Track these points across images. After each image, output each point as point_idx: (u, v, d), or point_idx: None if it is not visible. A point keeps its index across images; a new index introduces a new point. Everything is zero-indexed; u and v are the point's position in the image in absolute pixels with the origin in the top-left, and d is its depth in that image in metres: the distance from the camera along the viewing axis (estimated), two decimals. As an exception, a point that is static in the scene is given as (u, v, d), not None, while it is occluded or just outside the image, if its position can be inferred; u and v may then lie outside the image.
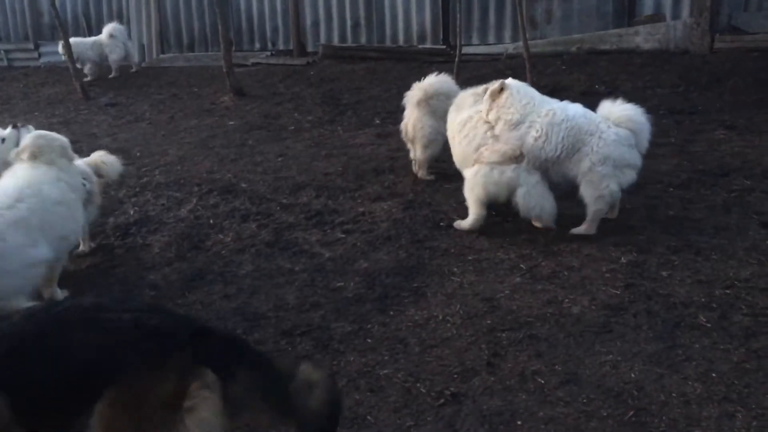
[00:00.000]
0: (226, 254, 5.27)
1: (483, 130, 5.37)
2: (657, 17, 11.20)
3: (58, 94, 11.90)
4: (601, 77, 9.84)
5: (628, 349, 3.69)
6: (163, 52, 14.19)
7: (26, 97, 11.91)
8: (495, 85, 5.38)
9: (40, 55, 15.02)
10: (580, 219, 5.21)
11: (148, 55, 14.22)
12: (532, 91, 5.38)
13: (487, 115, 5.35)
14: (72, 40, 11.96)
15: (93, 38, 12.84)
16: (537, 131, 5.11)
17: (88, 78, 12.57)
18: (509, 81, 5.43)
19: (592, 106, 8.53)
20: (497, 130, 5.29)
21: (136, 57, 13.34)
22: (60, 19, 12.01)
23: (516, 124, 5.20)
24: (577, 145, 5.05)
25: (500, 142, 5.23)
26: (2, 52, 15.27)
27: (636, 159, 5.07)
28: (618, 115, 5.09)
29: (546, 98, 5.39)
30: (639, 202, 5.69)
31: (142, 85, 12.17)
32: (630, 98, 8.67)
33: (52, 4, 11.63)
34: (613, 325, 3.94)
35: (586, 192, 5.06)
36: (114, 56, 12.70)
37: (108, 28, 12.74)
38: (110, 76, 12.84)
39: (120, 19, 14.49)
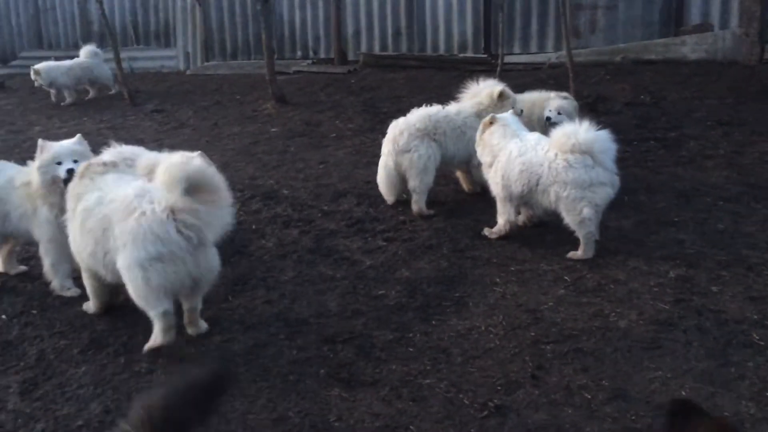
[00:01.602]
0: (269, 260, 5.31)
1: None
2: (704, 27, 11.00)
3: (106, 100, 12.17)
4: (647, 87, 9.69)
5: (678, 366, 3.60)
6: (207, 60, 14.43)
7: (75, 103, 12.20)
8: (486, 118, 5.49)
9: (88, 62, 15.39)
10: (622, 231, 5.11)
11: (193, 63, 14.48)
12: (511, 127, 5.35)
13: (477, 149, 5.54)
14: (44, 64, 11.85)
15: (68, 62, 12.11)
16: (500, 172, 5.22)
17: (68, 101, 11.93)
18: (500, 116, 5.47)
19: (639, 116, 8.49)
20: (483, 170, 5.54)
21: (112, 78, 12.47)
22: (110, 28, 12.31)
23: (488, 166, 5.37)
24: (534, 178, 5.03)
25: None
26: (53, 59, 15.67)
27: (600, 176, 4.89)
28: (565, 145, 4.94)
29: (517, 133, 5.32)
30: (687, 216, 5.56)
31: (187, 92, 12.38)
32: (677, 109, 8.66)
33: (103, 14, 11.92)
34: (663, 340, 3.84)
35: (567, 219, 4.99)
36: (103, 75, 12.26)
37: (88, 49, 12.21)
38: (87, 97, 12.30)
39: (167, 28, 14.83)
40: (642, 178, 6.54)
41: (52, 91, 12.07)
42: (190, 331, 4.13)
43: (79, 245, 4.14)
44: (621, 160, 6.38)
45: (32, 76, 11.84)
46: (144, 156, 5.10)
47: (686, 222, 5.48)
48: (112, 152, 5.33)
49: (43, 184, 4.53)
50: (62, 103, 11.95)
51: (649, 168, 6.87)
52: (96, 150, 5.11)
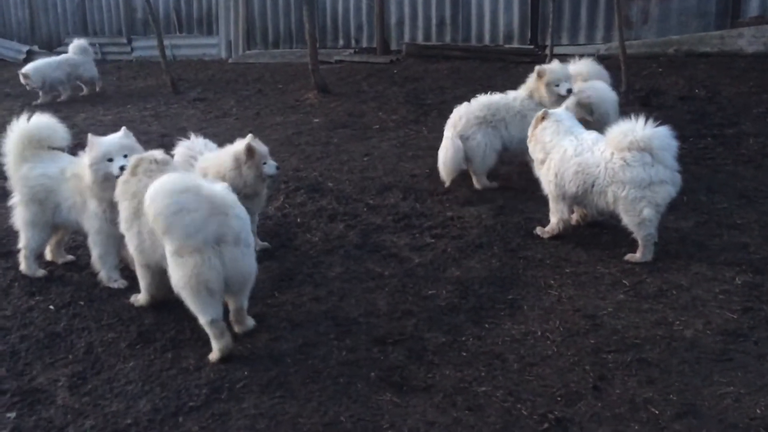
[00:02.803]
0: (315, 255, 5.21)
1: None
2: (763, 19, 10.54)
3: (149, 88, 12.23)
4: (701, 81, 9.33)
5: (752, 381, 3.40)
6: (249, 49, 14.40)
7: (119, 90, 12.28)
8: (539, 113, 5.30)
9: (132, 50, 15.51)
10: (681, 233, 4.89)
11: (235, 52, 14.46)
12: (564, 124, 5.16)
13: (529, 145, 5.37)
14: (31, 65, 11.39)
15: (57, 58, 11.74)
16: (554, 170, 5.04)
17: (62, 98, 11.51)
18: (553, 111, 5.31)
19: (693, 112, 8.17)
20: (534, 167, 5.38)
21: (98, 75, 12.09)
22: (154, 15, 12.34)
23: (540, 163, 5.21)
24: (589, 179, 4.84)
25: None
26: (97, 45, 15.83)
27: (660, 174, 4.67)
28: (622, 142, 4.73)
29: (573, 130, 5.14)
30: (752, 218, 5.31)
31: (229, 80, 12.36)
32: (734, 104, 8.31)
33: (147, 1, 11.93)
34: (733, 352, 3.64)
35: (626, 221, 4.78)
36: (89, 74, 11.79)
37: (78, 45, 11.77)
38: (82, 93, 11.87)
39: (209, 16, 14.82)
40: (700, 176, 6.28)
41: (41, 93, 11.41)
42: (237, 329, 4.05)
43: (147, 246, 4.08)
44: (678, 158, 6.18)
45: (22, 81, 11.24)
46: (205, 156, 5.08)
47: (750, 225, 5.22)
48: (186, 145, 5.33)
49: (96, 180, 4.49)
50: (58, 100, 11.40)
51: (708, 166, 6.59)
52: (140, 138, 5.07)
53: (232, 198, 3.83)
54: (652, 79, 9.62)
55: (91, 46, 12.37)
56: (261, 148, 4.94)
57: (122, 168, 4.31)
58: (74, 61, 11.64)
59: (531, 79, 6.44)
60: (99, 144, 4.51)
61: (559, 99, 6.19)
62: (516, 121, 6.30)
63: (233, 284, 3.80)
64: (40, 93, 11.45)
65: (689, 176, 6.11)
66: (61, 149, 4.99)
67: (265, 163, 4.91)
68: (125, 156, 4.42)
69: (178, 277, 3.69)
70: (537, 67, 6.38)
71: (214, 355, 3.81)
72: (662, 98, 8.83)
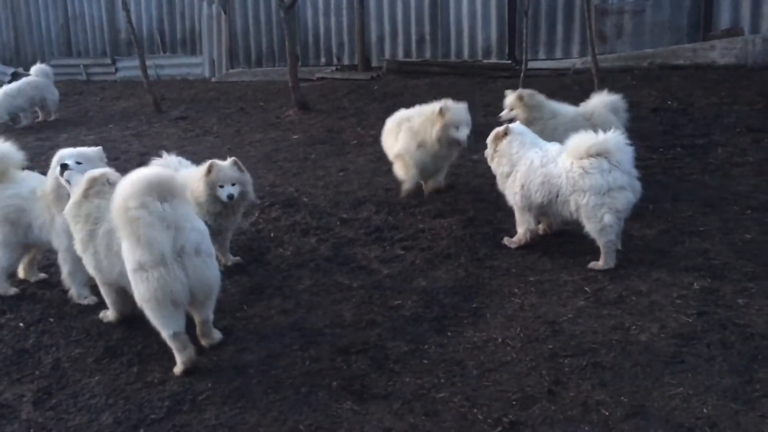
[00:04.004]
0: (285, 268, 5.28)
1: None
2: (734, 31, 10.77)
3: (133, 107, 12.32)
4: (674, 93, 9.50)
5: (700, 382, 3.48)
6: (232, 67, 14.54)
7: (102, 110, 12.37)
8: (500, 129, 5.37)
9: (117, 70, 15.62)
10: (645, 240, 4.98)
11: (218, 71, 14.60)
12: (527, 136, 5.29)
13: (490, 161, 5.42)
14: None
15: (16, 84, 11.35)
16: (519, 182, 5.12)
17: (23, 124, 11.15)
18: (513, 126, 5.38)
19: (665, 123, 8.31)
20: (498, 181, 5.41)
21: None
22: (136, 36, 12.48)
23: (506, 176, 5.26)
24: (554, 189, 4.95)
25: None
26: (81, 66, 15.96)
27: (618, 180, 4.75)
28: (578, 150, 4.86)
29: (536, 142, 5.27)
30: (713, 225, 5.41)
31: (212, 99, 12.47)
32: (705, 115, 8.47)
33: (129, 22, 12.07)
34: (685, 355, 3.72)
35: (588, 228, 4.87)
36: (53, 98, 11.49)
37: (39, 68, 11.50)
38: (51, 118, 11.53)
39: (192, 35, 14.96)
40: (667, 186, 6.40)
41: (21, 116, 11.25)
42: (203, 342, 4.11)
43: (105, 266, 4.15)
44: (646, 168, 6.30)
45: None
46: (180, 173, 5.16)
47: (712, 232, 5.33)
48: (160, 163, 5.41)
49: (51, 189, 4.59)
50: (17, 126, 11.04)
51: (675, 176, 6.71)
52: (120, 157, 5.17)
53: (185, 212, 3.86)
54: (626, 91, 9.60)
55: (73, 68, 12.40)
56: (226, 171, 4.92)
57: (64, 167, 4.41)
58: (37, 83, 11.32)
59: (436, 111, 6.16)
60: (57, 154, 4.63)
61: (452, 143, 5.94)
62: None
63: (198, 295, 3.85)
64: (21, 116, 11.27)
65: (657, 185, 6.27)
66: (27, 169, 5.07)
67: (221, 186, 4.91)
68: (78, 163, 4.52)
69: (142, 291, 3.74)
70: (442, 103, 6.02)
71: (177, 369, 3.86)
72: (635, 110, 8.93)
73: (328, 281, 5.01)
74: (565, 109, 6.64)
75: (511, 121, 5.78)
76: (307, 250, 5.60)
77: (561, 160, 4.97)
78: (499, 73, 11.68)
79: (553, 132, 6.01)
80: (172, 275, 3.67)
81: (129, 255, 3.72)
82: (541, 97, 6.58)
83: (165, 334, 3.82)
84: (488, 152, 5.44)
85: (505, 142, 5.27)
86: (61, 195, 4.52)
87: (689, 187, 6.37)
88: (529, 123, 5.99)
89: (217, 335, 4.17)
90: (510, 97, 6.60)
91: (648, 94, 9.55)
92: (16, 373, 4.02)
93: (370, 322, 4.37)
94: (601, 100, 6.59)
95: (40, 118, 11.55)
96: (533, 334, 4.09)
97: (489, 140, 5.42)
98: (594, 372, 3.65)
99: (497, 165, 5.36)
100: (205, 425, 3.43)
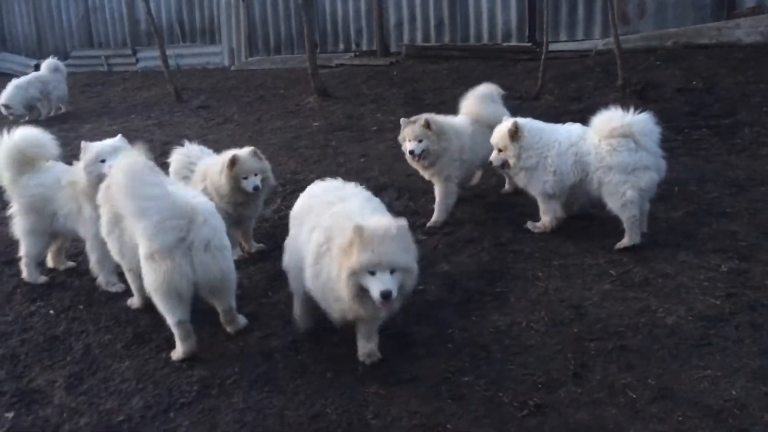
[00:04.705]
0: (309, 255, 5.29)
1: None
2: (760, 9, 10.53)
3: (154, 97, 12.41)
4: (699, 73, 9.33)
5: (729, 364, 3.45)
6: (251, 56, 14.56)
7: (124, 101, 12.48)
8: (508, 124, 5.20)
9: (137, 61, 15.73)
10: (671, 223, 4.92)
11: (237, 59, 14.63)
12: (538, 124, 5.26)
13: (513, 159, 5.20)
14: (7, 93, 11.05)
15: (27, 77, 11.55)
16: (551, 168, 5.06)
17: (43, 114, 11.51)
18: (520, 120, 5.24)
19: (690, 103, 8.18)
20: (519, 178, 5.30)
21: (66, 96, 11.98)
22: (156, 26, 12.54)
23: (533, 169, 5.16)
24: (586, 167, 4.95)
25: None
26: (102, 57, 16.09)
27: (644, 159, 4.75)
28: (605, 129, 4.84)
29: (552, 126, 5.24)
30: (742, 206, 5.34)
31: (232, 87, 12.51)
32: (731, 95, 8.32)
33: (149, 13, 12.13)
34: (712, 337, 3.69)
35: (611, 204, 4.88)
36: (58, 93, 11.67)
37: (50, 63, 11.73)
38: (51, 113, 11.68)
39: (211, 25, 15.00)
40: (693, 167, 6.31)
41: (40, 106, 11.55)
42: (228, 329, 4.15)
43: (128, 250, 4.17)
44: (671, 149, 6.22)
45: (4, 112, 11.05)
46: (202, 162, 5.17)
47: (740, 213, 5.25)
48: (182, 152, 5.45)
49: (90, 183, 4.61)
50: (40, 118, 11.27)
51: (701, 157, 6.62)
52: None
53: (203, 205, 3.91)
54: (650, 73, 9.63)
55: (95, 59, 12.52)
56: (250, 162, 4.94)
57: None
58: (46, 78, 11.50)
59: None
60: (91, 148, 4.65)
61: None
62: None
63: (205, 288, 3.88)
64: (38, 106, 11.51)
65: (682, 167, 6.20)
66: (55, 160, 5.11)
67: (245, 178, 4.94)
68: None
69: (150, 280, 3.78)
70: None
71: (175, 354, 3.94)
72: (659, 91, 8.84)
73: (351, 267, 5.01)
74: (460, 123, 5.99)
75: (504, 164, 5.38)
76: (330, 236, 5.60)
77: (588, 138, 4.95)
78: (519, 56, 11.55)
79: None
80: (178, 269, 3.70)
81: (141, 243, 3.77)
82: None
83: (170, 322, 3.87)
84: (507, 154, 5.20)
85: (521, 137, 5.16)
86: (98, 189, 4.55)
87: (715, 167, 6.28)
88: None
89: (242, 321, 4.22)
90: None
91: (672, 74, 9.40)
92: (47, 359, 4.10)
93: (394, 307, 4.37)
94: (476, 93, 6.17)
95: (42, 116, 11.60)
96: (558, 317, 4.08)
97: (502, 143, 5.21)
98: (620, 355, 3.63)
99: (523, 161, 5.15)
100: (234, 409, 3.48)
